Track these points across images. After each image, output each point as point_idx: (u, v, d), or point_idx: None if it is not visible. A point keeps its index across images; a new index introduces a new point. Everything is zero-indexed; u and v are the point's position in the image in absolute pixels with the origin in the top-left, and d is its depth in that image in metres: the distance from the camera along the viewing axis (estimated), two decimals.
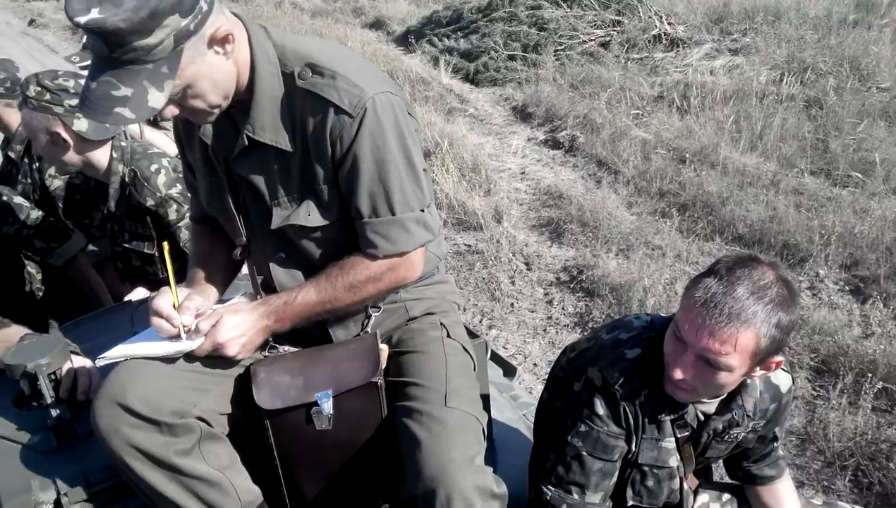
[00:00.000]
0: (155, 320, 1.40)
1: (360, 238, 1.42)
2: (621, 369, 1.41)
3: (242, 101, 1.35)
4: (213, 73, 1.25)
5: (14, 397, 1.62)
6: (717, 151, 5.10)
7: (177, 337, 1.40)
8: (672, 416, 1.44)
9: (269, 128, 1.35)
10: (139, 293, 2.28)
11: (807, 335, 3.23)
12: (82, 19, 1.09)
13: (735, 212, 4.37)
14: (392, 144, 1.34)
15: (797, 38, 6.96)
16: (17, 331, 1.73)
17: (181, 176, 2.22)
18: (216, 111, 1.33)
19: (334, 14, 11.42)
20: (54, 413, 1.52)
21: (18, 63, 8.69)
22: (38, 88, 2.07)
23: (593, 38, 7.74)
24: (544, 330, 3.68)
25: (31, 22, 13.86)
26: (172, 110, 1.28)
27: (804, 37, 6.95)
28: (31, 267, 2.81)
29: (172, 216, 2.23)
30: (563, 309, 3.84)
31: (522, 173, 5.55)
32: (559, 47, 7.61)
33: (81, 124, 2.10)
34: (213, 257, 1.60)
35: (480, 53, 7.97)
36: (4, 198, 2.48)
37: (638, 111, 6.04)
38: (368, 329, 1.53)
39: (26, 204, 2.55)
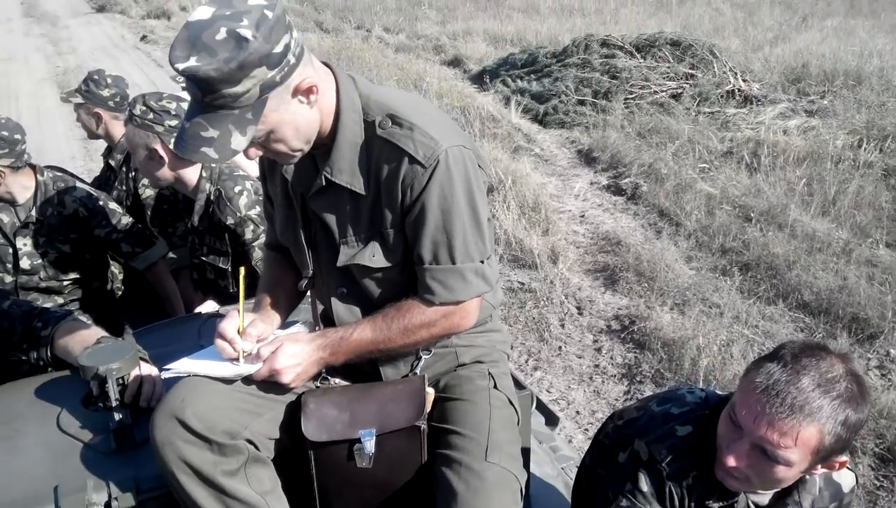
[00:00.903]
0: (219, 342, 1.44)
1: (419, 283, 1.42)
2: (670, 446, 1.32)
3: (325, 144, 1.39)
4: (295, 120, 1.29)
5: (83, 396, 1.67)
6: (785, 213, 4.90)
7: (237, 360, 1.43)
8: (721, 504, 1.32)
9: (346, 171, 1.38)
10: (209, 306, 2.34)
11: (872, 419, 2.96)
12: (181, 66, 1.15)
13: (801, 278, 4.14)
14: (459, 196, 1.36)
15: (878, 104, 6.71)
16: (94, 333, 1.79)
17: (261, 199, 2.28)
18: (298, 154, 1.36)
19: (416, 50, 11.61)
20: (117, 416, 1.55)
21: (127, 73, 9.17)
22: (144, 108, 2.19)
23: (665, 89, 7.64)
24: (590, 378, 3.58)
25: (143, 38, 14.60)
26: (256, 151, 1.34)
27: (886, 104, 6.70)
28: (115, 268, 2.93)
29: (248, 236, 2.30)
30: (611, 358, 3.73)
31: (582, 216, 5.48)
32: (629, 96, 7.53)
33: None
34: (281, 284, 1.64)
35: (551, 96, 7.96)
36: (100, 202, 2.61)
37: (705, 165, 5.90)
38: (417, 370, 1.52)
39: (119, 210, 2.66)
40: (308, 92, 1.28)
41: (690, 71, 7.81)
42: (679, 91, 7.56)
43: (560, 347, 3.82)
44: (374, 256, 1.42)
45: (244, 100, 1.19)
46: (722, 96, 7.31)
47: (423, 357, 1.51)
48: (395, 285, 1.46)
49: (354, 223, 1.42)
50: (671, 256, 4.57)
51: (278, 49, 1.19)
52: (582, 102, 7.64)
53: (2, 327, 1.84)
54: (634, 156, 6.14)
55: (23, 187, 2.56)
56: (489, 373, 1.54)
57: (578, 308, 4.18)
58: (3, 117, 2.51)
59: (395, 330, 1.42)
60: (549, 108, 7.75)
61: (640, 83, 7.70)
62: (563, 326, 4.01)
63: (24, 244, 2.58)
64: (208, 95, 1.18)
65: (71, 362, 1.74)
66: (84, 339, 1.75)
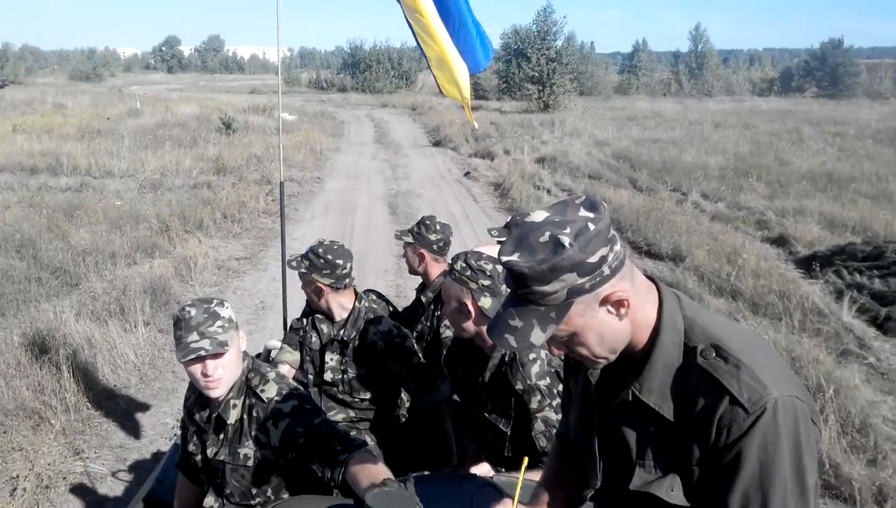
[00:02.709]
0: None
1: None
2: None
3: (636, 358, 1.38)
4: (601, 329, 1.32)
5: None
6: None
7: None
8: None
9: (656, 392, 1.36)
10: (483, 468, 2.42)
11: None
12: (504, 258, 1.28)
13: None
14: (784, 453, 1.24)
15: None
16: (382, 471, 1.96)
17: (553, 370, 2.36)
18: (602, 361, 1.38)
19: (735, 221, 11.23)
20: None
21: (446, 203, 10.33)
22: (464, 264, 2.44)
23: None
24: None
25: (467, 174, 16.42)
26: (560, 350, 1.39)
27: None
28: (404, 394, 3.21)
29: (534, 405, 2.35)
30: None
31: None
32: None
33: (486, 303, 2.39)
34: (562, 482, 1.63)
35: None
36: (398, 340, 2.92)
37: None
38: None
39: (414, 349, 2.95)
40: (618, 304, 1.30)
41: None
42: None
43: None
44: (672, 490, 1.34)
45: (551, 299, 1.27)
46: None
47: None
48: None
49: (656, 448, 1.37)
50: None
51: (593, 259, 1.25)
52: None
53: (309, 441, 2.12)
54: None
55: (341, 306, 2.98)
56: None
57: None
58: (336, 242, 2.97)
59: None
60: (893, 313, 6.88)
61: None
62: None
63: (331, 359, 2.97)
64: (521, 289, 1.29)
65: (357, 492, 1.92)
66: (372, 474, 1.92)
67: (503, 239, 3.49)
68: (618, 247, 1.30)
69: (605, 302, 1.30)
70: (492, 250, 3.01)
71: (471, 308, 2.44)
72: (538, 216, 1.32)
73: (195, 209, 10.92)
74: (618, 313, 1.32)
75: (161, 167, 15.35)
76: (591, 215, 1.28)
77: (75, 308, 6.61)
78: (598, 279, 1.27)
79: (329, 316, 3.00)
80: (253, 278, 8.43)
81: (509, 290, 1.35)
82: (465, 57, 4.40)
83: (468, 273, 2.43)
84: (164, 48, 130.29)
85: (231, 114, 25.27)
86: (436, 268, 3.46)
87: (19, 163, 15.39)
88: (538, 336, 1.29)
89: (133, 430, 4.94)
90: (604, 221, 1.28)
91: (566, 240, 1.24)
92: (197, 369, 2.07)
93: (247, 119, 26.03)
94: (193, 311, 2.07)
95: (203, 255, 8.72)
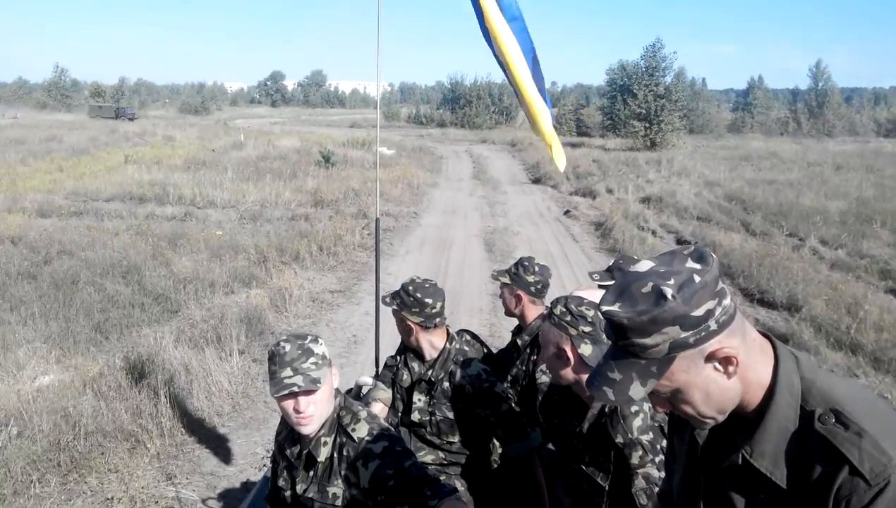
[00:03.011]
0: None
1: None
2: None
3: (747, 420, 1.34)
4: (707, 386, 1.28)
5: None
6: None
7: None
8: None
9: (768, 457, 1.31)
10: None
11: None
12: (605, 308, 1.27)
13: None
14: None
15: None
16: None
17: (656, 425, 2.28)
18: (708, 421, 1.34)
19: (856, 270, 10.65)
20: None
21: (544, 242, 10.29)
22: (564, 309, 2.40)
23: None
24: None
25: (567, 212, 16.30)
26: (664, 406, 1.35)
27: None
28: (496, 441, 3.17)
29: (634, 460, 2.27)
30: None
31: None
32: None
33: (586, 349, 2.35)
34: None
35: None
36: (487, 385, 2.89)
37: None
38: None
39: (504, 395, 2.91)
40: (726, 362, 1.27)
41: None
42: None
43: None
44: None
45: (652, 352, 1.25)
46: None
47: None
48: None
49: None
50: None
51: (697, 312, 1.22)
52: None
53: (399, 484, 2.13)
54: None
55: (431, 346, 2.99)
56: None
57: None
58: (429, 281, 2.99)
59: None
60: None
61: None
62: None
63: (419, 399, 2.97)
64: (620, 340, 1.27)
65: None
66: None
67: (605, 282, 3.43)
68: (727, 302, 1.27)
69: (711, 358, 1.26)
70: (592, 295, 2.96)
71: (570, 355, 2.40)
72: (643, 266, 1.31)
73: (292, 241, 11.33)
74: (726, 371, 1.28)
75: (261, 198, 16.07)
76: (697, 266, 1.26)
77: (174, 334, 6.96)
78: (703, 334, 1.24)
79: (420, 355, 3.03)
80: (346, 311, 8.62)
81: (610, 340, 1.33)
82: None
83: (568, 318, 2.39)
84: (268, 83, 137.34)
85: (331, 147, 26.26)
86: (533, 311, 3.43)
87: (129, 193, 16.49)
88: (637, 390, 1.27)
89: (224, 458, 5.11)
90: (711, 273, 1.25)
91: (669, 292, 1.22)
92: (289, 405, 2.12)
93: (346, 153, 26.98)
94: (288, 347, 2.12)
95: (298, 287, 9.01)
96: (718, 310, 1.24)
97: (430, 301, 2.90)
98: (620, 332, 1.26)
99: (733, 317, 1.27)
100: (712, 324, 1.24)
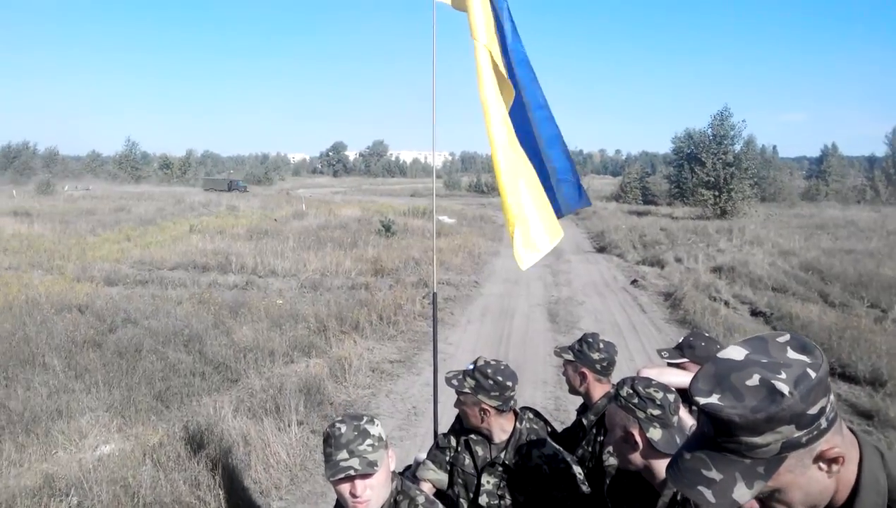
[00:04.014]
0: None
1: None
2: None
3: None
4: (808, 486, 1.23)
5: None
6: None
7: None
8: None
9: None
10: None
11: None
12: (701, 400, 1.21)
13: None
14: None
15: None
16: None
17: None
18: None
19: None
20: None
21: (610, 312, 10.17)
22: (630, 391, 2.34)
23: None
24: None
25: (634, 282, 16.08)
26: (753, 505, 1.29)
27: None
28: None
29: None
30: None
31: None
32: None
33: (655, 434, 2.28)
34: None
35: None
36: (563, 465, 2.83)
37: None
38: None
39: (580, 476, 2.85)
40: (833, 461, 1.22)
41: None
42: None
43: None
44: None
45: (760, 452, 1.19)
46: None
47: None
48: None
49: None
50: None
51: (813, 411, 1.18)
52: None
53: None
54: None
55: (501, 429, 2.94)
56: None
57: None
58: (501, 362, 2.96)
59: None
60: None
61: None
62: None
63: (487, 481, 2.92)
64: (722, 436, 1.21)
65: None
66: None
67: (675, 360, 3.35)
68: (832, 397, 1.23)
69: (819, 458, 1.22)
70: (662, 374, 2.90)
71: (638, 439, 2.33)
72: (736, 353, 1.26)
73: (352, 310, 11.46)
74: (829, 470, 1.23)
75: (322, 267, 16.38)
76: (807, 360, 1.21)
77: (234, 403, 7.05)
78: (815, 433, 1.19)
79: (488, 438, 2.98)
80: (406, 382, 8.61)
81: (698, 433, 1.28)
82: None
83: (635, 400, 2.33)
84: (330, 153, 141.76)
85: (391, 216, 26.73)
86: (598, 390, 3.36)
87: (193, 261, 17.05)
88: (742, 493, 1.21)
89: None
90: (823, 368, 1.21)
91: (785, 388, 1.17)
92: (345, 488, 2.08)
93: (406, 222, 27.40)
94: (344, 428, 2.10)
95: (358, 356, 9.07)
96: (829, 407, 1.20)
97: (510, 384, 2.86)
98: (723, 429, 1.20)
99: (837, 414, 1.23)
100: (823, 422, 1.20)
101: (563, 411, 7.13)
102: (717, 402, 1.20)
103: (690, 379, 1.32)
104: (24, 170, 67.17)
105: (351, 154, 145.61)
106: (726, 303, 13.13)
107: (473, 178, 76.73)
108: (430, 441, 4.85)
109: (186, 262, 16.95)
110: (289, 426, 6.45)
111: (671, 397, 2.26)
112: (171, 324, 10.31)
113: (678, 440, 2.23)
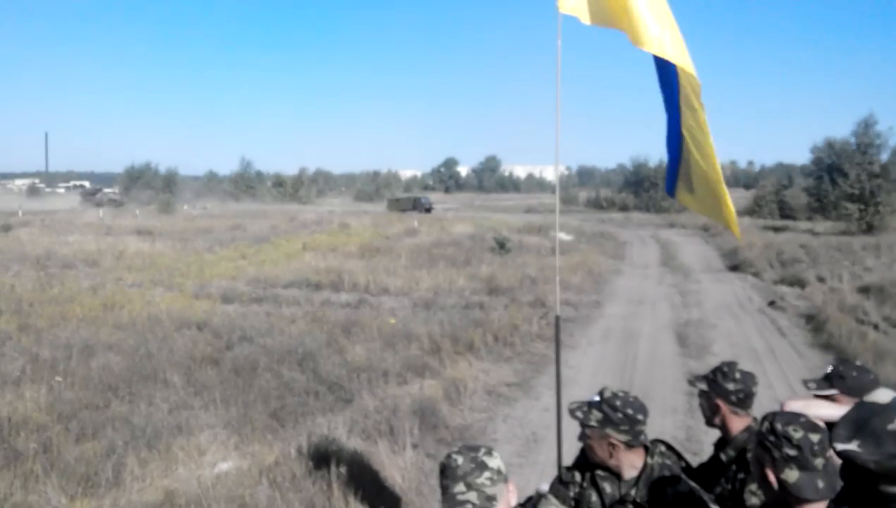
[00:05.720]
0: None
1: None
2: None
3: None
4: None
5: None
6: None
7: None
8: None
9: None
10: None
11: None
12: (839, 446, 1.17)
13: None
14: None
15: None
16: None
17: None
18: None
19: None
20: None
21: (746, 336, 9.81)
22: (768, 426, 2.21)
23: None
24: None
25: (772, 303, 15.36)
26: None
27: None
28: None
29: None
30: None
31: None
32: None
33: (791, 475, 2.13)
34: None
35: None
36: (699, 505, 2.70)
37: None
38: None
39: None
40: None
41: None
42: None
43: None
44: None
45: None
46: None
47: None
48: None
49: None
50: None
51: None
52: None
53: None
54: None
55: (631, 465, 2.85)
56: None
57: None
58: (629, 393, 2.87)
59: None
60: None
61: None
62: None
63: None
64: (861, 487, 1.17)
65: None
66: None
67: (822, 392, 3.16)
68: None
69: None
70: (808, 406, 2.74)
71: (772, 479, 2.20)
72: (884, 395, 1.21)
73: (466, 330, 11.50)
74: None
75: (434, 286, 16.56)
76: None
77: (348, 424, 7.21)
78: None
79: (616, 474, 2.90)
80: (524, 406, 8.54)
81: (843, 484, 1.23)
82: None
83: (771, 438, 2.19)
84: (442, 169, 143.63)
85: (505, 233, 26.75)
86: (736, 423, 3.20)
87: (306, 279, 17.62)
88: None
89: None
90: None
91: None
92: None
93: (521, 239, 27.35)
94: (460, 460, 2.07)
95: (473, 379, 9.08)
96: None
97: (640, 417, 2.78)
98: (863, 477, 1.15)
99: None
100: None
101: (695, 441, 6.87)
102: (853, 448, 1.14)
103: (841, 413, 1.24)
104: (147, 190, 71.53)
105: (463, 169, 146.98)
106: (875, 327, 12.32)
107: (592, 193, 75.81)
108: (550, 470, 4.79)
109: (300, 280, 17.55)
110: (403, 449, 6.53)
111: (814, 437, 2.10)
112: (285, 342, 10.68)
113: (820, 484, 2.09)
